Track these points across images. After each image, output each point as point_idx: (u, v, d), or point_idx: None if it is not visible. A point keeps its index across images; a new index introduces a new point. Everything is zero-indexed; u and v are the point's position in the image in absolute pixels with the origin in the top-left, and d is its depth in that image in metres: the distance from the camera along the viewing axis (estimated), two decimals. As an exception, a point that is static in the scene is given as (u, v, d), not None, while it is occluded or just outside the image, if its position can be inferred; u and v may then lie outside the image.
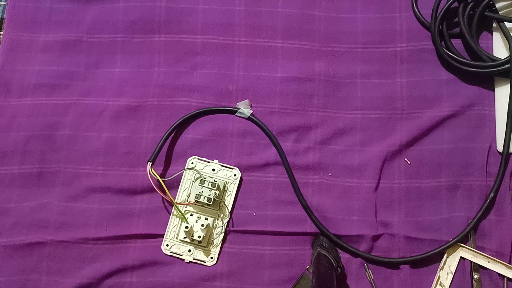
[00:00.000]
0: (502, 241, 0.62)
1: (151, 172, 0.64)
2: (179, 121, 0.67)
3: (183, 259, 0.64)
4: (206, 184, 0.63)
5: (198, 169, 0.66)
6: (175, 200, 0.65)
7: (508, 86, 0.66)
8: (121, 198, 0.66)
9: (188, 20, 0.72)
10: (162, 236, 0.64)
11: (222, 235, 0.64)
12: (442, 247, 0.62)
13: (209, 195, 0.62)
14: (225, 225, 0.64)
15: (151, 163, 0.64)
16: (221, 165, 0.66)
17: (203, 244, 0.64)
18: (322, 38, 0.71)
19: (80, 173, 0.67)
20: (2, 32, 0.74)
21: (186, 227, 0.62)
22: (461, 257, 0.63)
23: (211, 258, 0.64)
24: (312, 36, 0.71)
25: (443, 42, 0.69)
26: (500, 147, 0.65)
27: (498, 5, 0.68)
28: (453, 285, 0.62)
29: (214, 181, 0.63)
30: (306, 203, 0.64)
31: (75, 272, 0.63)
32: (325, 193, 0.65)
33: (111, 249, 0.64)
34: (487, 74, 0.67)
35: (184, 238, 0.64)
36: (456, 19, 0.69)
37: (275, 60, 0.70)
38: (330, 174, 0.66)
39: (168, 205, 0.66)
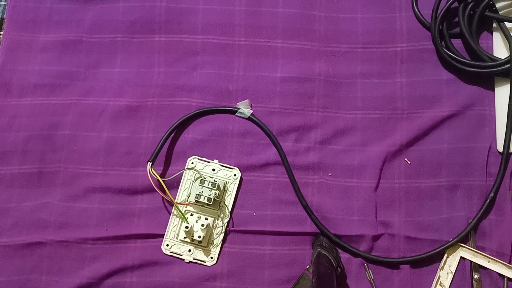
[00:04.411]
0: (502, 241, 0.62)
1: (151, 172, 0.64)
2: (179, 121, 0.67)
3: (183, 259, 0.64)
4: (206, 184, 0.63)
5: (198, 169, 0.66)
6: (175, 200, 0.65)
7: (508, 86, 0.66)
8: (121, 198, 0.66)
9: (188, 20, 0.72)
10: (162, 236, 0.64)
11: (222, 235, 0.64)
12: (442, 247, 0.62)
13: (209, 195, 0.62)
14: (225, 225, 0.64)
15: (151, 163, 0.64)
16: (221, 165, 0.66)
17: (203, 244, 0.64)
18: (322, 38, 0.71)
19: (80, 173, 0.67)
20: (2, 32, 0.74)
21: (186, 227, 0.62)
22: (461, 257, 0.63)
23: (211, 258, 0.64)
24: (312, 36, 0.71)
25: (443, 42, 0.69)
26: (500, 147, 0.65)
27: (498, 5, 0.68)
28: (453, 285, 0.62)
29: (214, 181, 0.63)
30: (306, 203, 0.64)
31: (75, 272, 0.63)
32: (325, 193, 0.65)
33: (111, 249, 0.64)
34: (487, 74, 0.67)
35: (184, 238, 0.64)
36: (456, 19, 0.69)
37: (275, 60, 0.70)
38: (330, 174, 0.66)
39: (168, 205, 0.66)
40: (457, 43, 0.69)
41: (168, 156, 0.67)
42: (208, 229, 0.64)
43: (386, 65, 0.69)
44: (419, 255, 0.62)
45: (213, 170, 0.66)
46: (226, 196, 0.65)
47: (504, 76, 0.66)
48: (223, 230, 0.64)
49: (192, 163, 0.67)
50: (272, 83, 0.69)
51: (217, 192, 0.63)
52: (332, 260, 0.58)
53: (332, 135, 0.67)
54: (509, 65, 0.64)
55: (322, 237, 0.63)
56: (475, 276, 0.62)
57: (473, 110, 0.67)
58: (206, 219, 0.64)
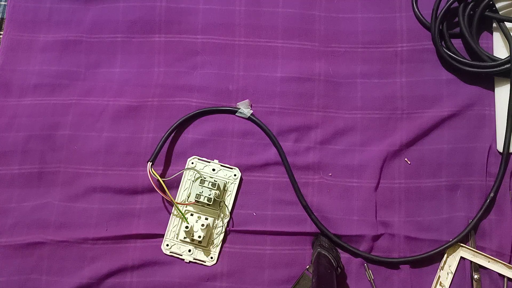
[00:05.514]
0: (502, 241, 0.62)
1: (151, 172, 0.64)
2: (179, 121, 0.67)
3: (183, 259, 0.64)
4: (206, 184, 0.63)
5: (198, 169, 0.66)
6: (175, 200, 0.65)
7: (508, 86, 0.66)
8: (121, 198, 0.66)
9: (188, 20, 0.72)
10: (162, 236, 0.64)
11: (222, 235, 0.64)
12: (442, 247, 0.62)
13: (209, 195, 0.62)
14: (225, 225, 0.64)
15: (151, 163, 0.64)
16: (221, 165, 0.66)
17: (203, 244, 0.64)
18: (322, 38, 0.71)
19: (80, 173, 0.67)
20: (2, 32, 0.74)
21: (186, 227, 0.62)
22: (461, 257, 0.63)
23: (211, 258, 0.64)
24: (312, 36, 0.71)
25: (443, 42, 0.69)
26: (500, 147, 0.65)
27: (498, 5, 0.68)
28: (453, 285, 0.62)
29: (214, 181, 0.63)
30: (306, 203, 0.64)
31: (75, 272, 0.63)
32: (325, 193, 0.65)
33: (111, 249, 0.64)
34: (487, 74, 0.67)
35: (184, 238, 0.64)
36: (456, 19, 0.69)
37: (275, 60, 0.70)
38: (330, 174, 0.66)
39: (168, 205, 0.66)
40: (457, 43, 0.69)
41: (168, 156, 0.67)
42: (208, 229, 0.64)
43: (386, 65, 0.69)
44: (419, 255, 0.62)
45: (213, 170, 0.66)
46: (226, 196, 0.65)
47: (504, 76, 0.66)
48: (223, 230, 0.64)
49: (192, 163, 0.67)
50: (272, 83, 0.69)
51: (217, 192, 0.63)
52: (332, 260, 0.58)
53: (332, 135, 0.67)
54: (509, 65, 0.64)
55: (322, 237, 0.63)
56: (475, 276, 0.62)
57: (473, 110, 0.67)
58: (206, 219, 0.64)
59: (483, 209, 0.63)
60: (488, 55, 0.66)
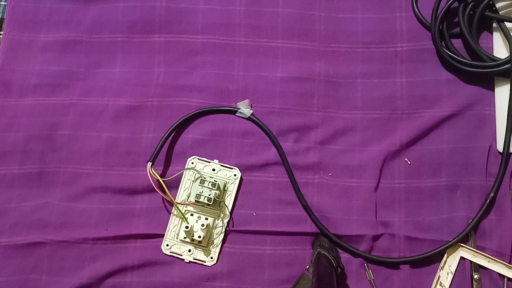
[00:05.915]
0: (502, 241, 0.62)
1: (151, 172, 0.64)
2: (179, 121, 0.67)
3: (183, 259, 0.64)
4: (206, 184, 0.63)
5: (198, 169, 0.66)
6: (175, 200, 0.65)
7: (508, 86, 0.66)
8: (121, 198, 0.66)
9: (188, 20, 0.72)
10: (162, 236, 0.64)
11: (222, 235, 0.64)
12: (442, 247, 0.62)
13: (209, 195, 0.62)
14: (225, 225, 0.64)
15: (151, 163, 0.64)
16: (221, 165, 0.66)
17: (203, 244, 0.64)
18: (322, 38, 0.71)
19: (80, 173, 0.67)
20: (2, 32, 0.74)
21: (186, 227, 0.62)
22: (461, 257, 0.63)
23: (211, 258, 0.64)
24: (312, 36, 0.71)
25: (443, 42, 0.69)
26: (500, 147, 0.65)
27: (498, 5, 0.68)
28: (453, 285, 0.62)
29: (214, 181, 0.63)
30: (306, 203, 0.64)
31: (75, 272, 0.63)
32: (325, 193, 0.65)
33: (111, 249, 0.64)
34: (487, 74, 0.67)
35: (184, 238, 0.64)
36: (456, 19, 0.69)
37: (275, 60, 0.70)
38: (330, 174, 0.66)
39: (168, 205, 0.66)
40: (457, 43, 0.69)
41: (168, 156, 0.67)
42: (208, 229, 0.64)
43: (386, 65, 0.69)
44: (419, 255, 0.62)
45: (213, 170, 0.66)
46: (226, 196, 0.65)
47: (504, 76, 0.66)
48: (223, 230, 0.64)
49: (192, 163, 0.67)
50: (272, 83, 0.69)
51: (217, 192, 0.63)
52: (332, 260, 0.58)
53: (332, 135, 0.67)
54: (509, 65, 0.64)
55: (322, 237, 0.63)
56: (475, 276, 0.62)
57: (473, 110, 0.67)
58: (206, 219, 0.64)
59: (483, 209, 0.63)
60: (488, 55, 0.66)
